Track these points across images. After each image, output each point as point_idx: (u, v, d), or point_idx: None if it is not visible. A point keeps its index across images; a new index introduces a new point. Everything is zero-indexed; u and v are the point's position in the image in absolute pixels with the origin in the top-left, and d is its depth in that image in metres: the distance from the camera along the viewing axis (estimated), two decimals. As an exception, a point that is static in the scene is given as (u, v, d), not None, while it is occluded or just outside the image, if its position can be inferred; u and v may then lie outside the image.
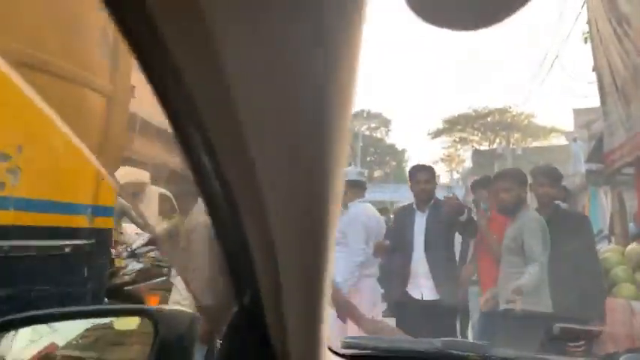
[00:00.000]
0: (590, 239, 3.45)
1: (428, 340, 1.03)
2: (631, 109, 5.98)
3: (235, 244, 0.48)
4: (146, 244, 5.34)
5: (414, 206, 3.74)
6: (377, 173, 35.67)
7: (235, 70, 0.28)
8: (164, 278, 4.85)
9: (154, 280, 4.86)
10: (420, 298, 3.54)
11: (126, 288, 4.58)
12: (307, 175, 0.39)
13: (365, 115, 35.91)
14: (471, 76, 75.45)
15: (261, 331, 0.61)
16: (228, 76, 0.28)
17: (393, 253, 3.74)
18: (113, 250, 5.09)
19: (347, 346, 1.04)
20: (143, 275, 4.88)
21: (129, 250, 5.19)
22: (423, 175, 3.70)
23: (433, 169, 3.96)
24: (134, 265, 4.98)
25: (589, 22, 7.51)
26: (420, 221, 3.62)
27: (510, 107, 31.17)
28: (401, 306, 3.70)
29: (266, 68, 0.29)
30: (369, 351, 1.08)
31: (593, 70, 7.54)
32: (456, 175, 33.44)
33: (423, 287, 3.53)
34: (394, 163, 36.77)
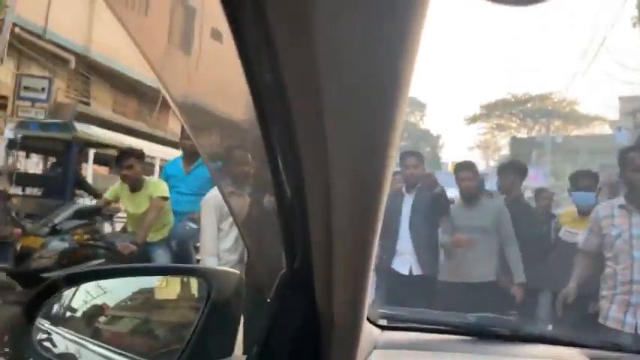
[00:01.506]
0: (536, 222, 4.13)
1: (461, 315, 1.06)
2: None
3: (293, 209, 0.52)
4: (74, 217, 4.29)
5: (403, 189, 3.96)
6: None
7: (327, 59, 0.32)
8: (101, 261, 3.92)
9: (86, 264, 3.81)
10: (407, 274, 3.76)
11: (44, 275, 3.52)
12: (366, 155, 0.42)
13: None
14: (512, 59, 73.29)
15: (308, 295, 0.64)
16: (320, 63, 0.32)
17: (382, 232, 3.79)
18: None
19: (383, 317, 1.08)
20: (69, 258, 3.89)
21: (50, 225, 4.11)
22: (411, 160, 3.95)
23: (421, 155, 4.27)
24: (56, 245, 3.95)
25: (638, 7, 7.19)
26: (408, 203, 3.88)
27: (552, 93, 30.25)
28: (387, 280, 3.90)
29: (351, 62, 0.33)
30: (405, 323, 1.12)
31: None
32: (492, 163, 32.78)
33: (408, 263, 3.78)
34: (428, 149, 36.31)
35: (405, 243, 3.79)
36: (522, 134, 31.96)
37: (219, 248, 2.93)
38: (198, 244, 3.86)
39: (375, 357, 0.90)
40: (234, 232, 2.84)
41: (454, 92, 70.68)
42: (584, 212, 3.53)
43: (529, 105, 31.59)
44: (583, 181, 3.65)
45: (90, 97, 11.00)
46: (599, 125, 28.30)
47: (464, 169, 3.87)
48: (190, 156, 4.18)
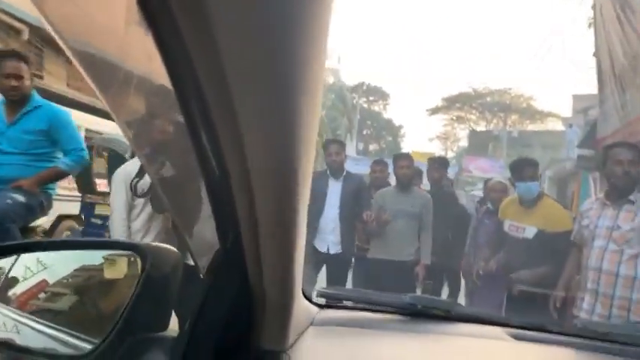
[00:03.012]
0: (462, 211, 4.63)
1: (397, 295, 1.10)
2: (626, 97, 6.02)
3: (221, 189, 0.54)
4: None
5: (328, 173, 4.30)
6: (372, 147, 35.67)
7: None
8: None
9: None
10: (325, 251, 4.11)
11: None
12: (284, 138, 0.44)
13: (364, 87, 35.66)
14: (472, 53, 74.68)
15: (241, 272, 0.66)
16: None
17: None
18: None
19: (321, 295, 1.11)
20: None
21: None
22: (333, 148, 4.33)
23: (343, 143, 4.70)
24: None
25: (594, 7, 7.47)
26: (334, 187, 4.22)
27: (510, 89, 31.13)
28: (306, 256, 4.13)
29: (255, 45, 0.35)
30: (342, 301, 1.15)
31: (594, 55, 7.53)
32: (451, 154, 33.54)
33: (328, 242, 4.14)
34: (390, 138, 36.74)
35: (326, 223, 4.14)
36: (481, 127, 32.81)
37: (131, 229, 2.67)
38: (30, 224, 3.29)
39: (310, 333, 0.93)
40: (147, 210, 2.67)
41: (417, 84, 71.58)
42: (527, 204, 3.55)
43: (488, 99, 32.41)
44: (526, 170, 3.57)
45: (43, 70, 10.56)
46: (552, 121, 29.32)
47: (401, 158, 4.31)
48: (16, 100, 3.09)
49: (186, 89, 0.41)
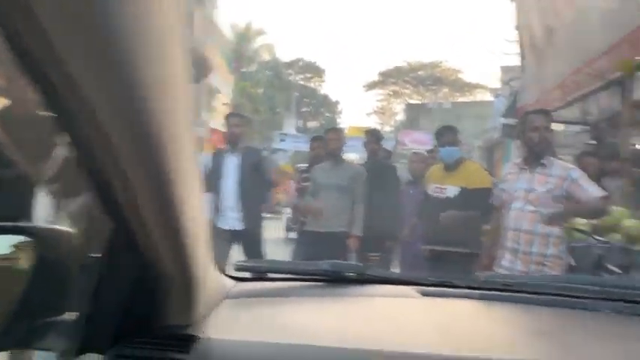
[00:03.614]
0: (396, 182, 4.68)
1: (314, 263, 1.13)
2: (543, 69, 6.36)
3: (108, 171, 0.53)
4: None
5: (227, 148, 4.24)
6: (311, 124, 35.69)
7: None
8: None
9: None
10: (228, 229, 4.08)
11: None
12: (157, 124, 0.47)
13: (300, 64, 35.42)
14: (404, 28, 75.81)
15: (135, 249, 0.65)
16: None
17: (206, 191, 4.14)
18: None
19: (240, 269, 1.12)
20: None
21: None
22: (234, 120, 4.28)
23: (245, 116, 4.65)
24: None
25: (514, -19, 7.76)
26: (232, 162, 4.15)
27: (441, 62, 32.03)
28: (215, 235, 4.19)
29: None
30: (263, 274, 1.17)
31: (515, 28, 7.86)
32: (388, 128, 34.19)
33: (230, 219, 4.11)
34: (328, 115, 36.88)
35: (227, 200, 4.09)
36: (415, 100, 33.59)
37: None
38: None
39: (225, 307, 0.94)
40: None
41: (353, 59, 72.04)
42: (449, 167, 3.82)
43: (421, 72, 33.18)
44: (447, 136, 3.87)
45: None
46: (481, 92, 30.53)
47: (331, 132, 4.39)
48: None
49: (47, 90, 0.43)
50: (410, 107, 33.22)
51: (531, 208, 3.02)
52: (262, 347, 0.79)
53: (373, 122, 34.80)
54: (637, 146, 4.99)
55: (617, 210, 3.60)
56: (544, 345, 0.85)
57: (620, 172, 4.68)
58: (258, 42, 25.56)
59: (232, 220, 4.10)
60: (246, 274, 1.14)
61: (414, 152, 4.70)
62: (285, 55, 42.35)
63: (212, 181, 4.10)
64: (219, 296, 0.95)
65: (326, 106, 36.88)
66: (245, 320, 0.90)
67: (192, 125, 0.54)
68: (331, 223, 4.01)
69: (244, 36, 24.32)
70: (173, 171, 0.53)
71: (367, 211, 4.09)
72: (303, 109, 34.95)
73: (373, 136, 4.87)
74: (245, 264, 1.12)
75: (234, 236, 4.09)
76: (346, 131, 6.55)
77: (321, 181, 4.14)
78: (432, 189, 3.85)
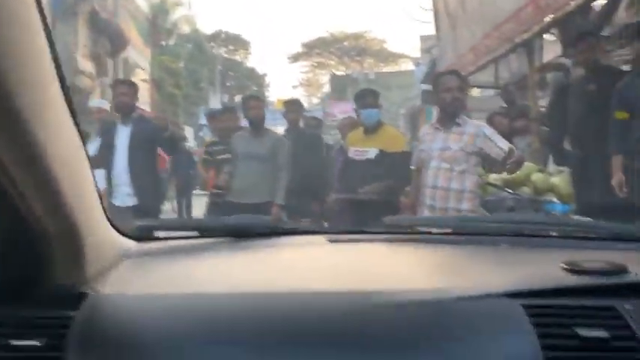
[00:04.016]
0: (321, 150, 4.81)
1: (220, 219, 1.11)
2: (457, 33, 6.58)
3: None
4: None
5: (117, 119, 3.95)
6: (238, 98, 34.90)
7: None
8: None
9: None
10: (122, 205, 3.82)
11: None
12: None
13: (223, 36, 34.37)
14: None
15: (9, 207, 0.60)
16: None
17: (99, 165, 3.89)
18: None
19: (141, 229, 1.07)
20: None
21: None
22: (121, 88, 3.98)
23: (135, 84, 4.26)
24: None
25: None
26: (123, 133, 3.84)
27: (365, 32, 32.30)
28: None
29: None
30: (165, 233, 1.13)
31: (430, -5, 8.04)
32: (315, 100, 34.24)
33: (122, 195, 3.84)
34: (255, 88, 36.21)
35: (119, 176, 3.79)
36: (341, 72, 33.77)
37: None
38: None
39: (122, 266, 0.90)
40: None
41: (277, 31, 70.98)
42: (369, 130, 3.90)
43: (345, 43, 33.30)
44: (367, 98, 3.94)
45: None
46: (404, 62, 31.21)
47: (252, 99, 4.35)
48: None
49: None
50: (335, 78, 33.36)
51: (446, 165, 3.16)
52: (157, 300, 0.76)
53: (300, 94, 34.69)
54: (543, 107, 5.31)
55: (526, 165, 3.85)
56: (443, 275, 0.88)
57: (529, 130, 4.99)
58: (177, 14, 24.46)
59: (124, 196, 3.81)
60: (148, 234, 1.09)
61: (347, 117, 4.79)
62: (206, 28, 40.88)
63: (104, 155, 3.80)
64: (116, 256, 0.91)
65: (252, 79, 36.16)
66: (143, 278, 0.87)
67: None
68: (253, 193, 3.93)
69: (161, 7, 23.17)
70: (48, 131, 0.55)
71: (293, 180, 4.05)
72: (229, 83, 34.12)
73: (293, 106, 4.89)
74: (146, 223, 1.07)
75: (126, 211, 3.77)
76: (275, 104, 6.54)
77: (241, 151, 4.06)
78: (353, 152, 3.93)
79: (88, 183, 0.70)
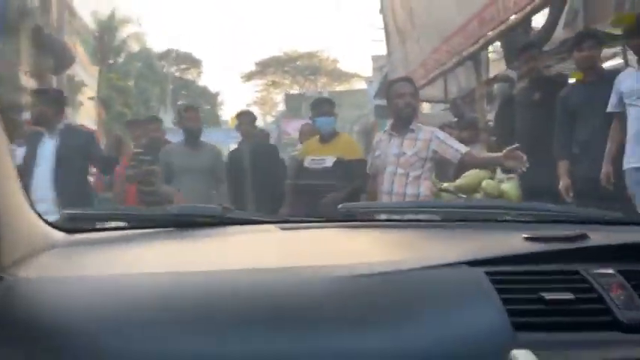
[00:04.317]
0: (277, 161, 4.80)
1: (162, 208, 1.02)
2: (407, 49, 6.72)
3: None
4: None
5: (42, 131, 3.69)
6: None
7: None
8: None
9: None
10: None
11: None
12: None
13: (174, 55, 33.93)
14: (279, 18, 76.30)
15: None
16: None
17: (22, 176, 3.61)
18: None
19: (72, 218, 0.97)
20: None
21: None
22: (40, 98, 3.73)
23: (58, 91, 4.29)
24: None
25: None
26: (49, 145, 3.56)
27: (318, 52, 32.73)
28: None
29: None
30: (100, 223, 1.03)
31: (380, 12, 8.22)
32: (270, 118, 34.17)
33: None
34: (208, 107, 35.78)
35: (40, 190, 3.40)
36: (295, 90, 33.98)
37: None
38: None
39: (49, 255, 0.80)
40: None
41: (229, 50, 70.84)
42: (325, 139, 3.90)
43: (299, 62, 33.60)
44: (322, 106, 3.96)
45: None
46: (357, 81, 31.75)
47: (189, 110, 4.28)
48: None
49: None
50: (290, 97, 33.52)
51: (402, 171, 3.17)
52: (80, 281, 0.67)
53: (255, 113, 34.53)
54: (491, 119, 5.47)
55: (476, 173, 3.93)
56: (402, 252, 0.84)
57: (477, 140, 5.11)
58: (125, 31, 24.01)
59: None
60: (81, 225, 0.99)
61: (306, 123, 4.80)
62: (157, 46, 40.31)
63: (27, 168, 3.42)
64: (41, 245, 0.81)
65: (204, 98, 35.78)
66: (67, 264, 0.78)
67: None
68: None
69: (109, 25, 22.65)
70: None
71: (246, 192, 4.00)
72: (180, 102, 33.60)
73: (245, 118, 4.82)
74: (78, 212, 0.97)
75: None
76: (229, 122, 6.48)
77: (178, 165, 3.91)
78: (309, 161, 3.89)
79: (9, 177, 0.68)
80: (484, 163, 3.48)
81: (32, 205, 0.80)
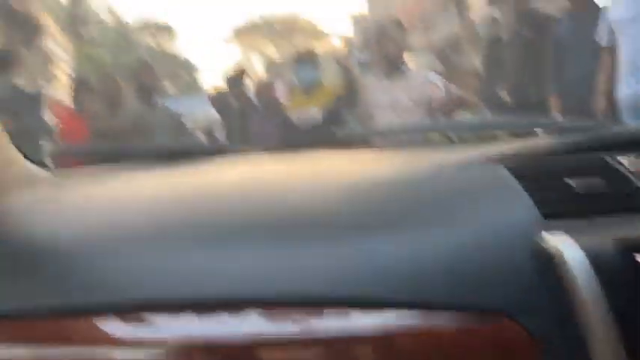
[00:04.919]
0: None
1: (150, 144, 0.96)
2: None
3: None
4: None
5: None
6: (171, 89, 33.71)
7: None
8: None
9: None
10: None
11: None
12: None
13: (150, 24, 32.97)
14: (257, -17, 74.14)
15: None
16: None
17: None
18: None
19: (55, 152, 0.91)
20: None
21: None
22: None
23: None
24: None
25: None
26: None
27: (295, 14, 32.02)
28: None
29: None
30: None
31: None
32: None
33: None
34: (187, 77, 35.08)
35: None
36: (275, 54, 33.39)
37: None
38: None
39: (38, 189, 0.75)
40: None
41: (203, 15, 69.04)
42: (309, 91, 3.78)
43: (277, 26, 32.84)
44: (304, 58, 3.86)
45: None
46: (337, 40, 31.28)
47: None
48: None
49: None
50: (271, 63, 32.99)
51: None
52: (71, 206, 0.63)
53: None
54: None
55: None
56: (414, 159, 0.80)
57: (468, 86, 5.06)
58: (96, 1, 23.21)
59: None
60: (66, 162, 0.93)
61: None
62: (131, 16, 39.16)
63: None
64: (25, 181, 0.76)
65: (182, 67, 35.04)
66: (57, 193, 0.72)
67: None
68: None
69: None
70: None
71: None
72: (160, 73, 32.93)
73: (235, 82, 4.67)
74: (61, 146, 0.90)
75: None
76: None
77: None
78: (296, 118, 3.80)
79: None
80: (475, 106, 3.43)
81: (12, 141, 0.74)
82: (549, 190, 0.59)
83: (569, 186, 0.60)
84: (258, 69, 35.44)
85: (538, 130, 0.99)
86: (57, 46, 18.08)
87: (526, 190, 0.59)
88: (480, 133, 1.11)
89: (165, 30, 34.44)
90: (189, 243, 0.55)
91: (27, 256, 0.55)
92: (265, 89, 4.97)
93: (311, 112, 3.67)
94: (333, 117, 3.62)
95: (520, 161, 0.66)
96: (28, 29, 13.19)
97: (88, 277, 0.52)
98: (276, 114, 4.36)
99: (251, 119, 4.32)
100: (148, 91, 4.01)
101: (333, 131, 3.49)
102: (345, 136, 1.05)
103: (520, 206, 0.58)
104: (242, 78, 4.82)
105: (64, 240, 0.57)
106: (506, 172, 0.63)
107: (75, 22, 20.76)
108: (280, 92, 5.61)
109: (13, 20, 12.49)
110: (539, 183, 0.60)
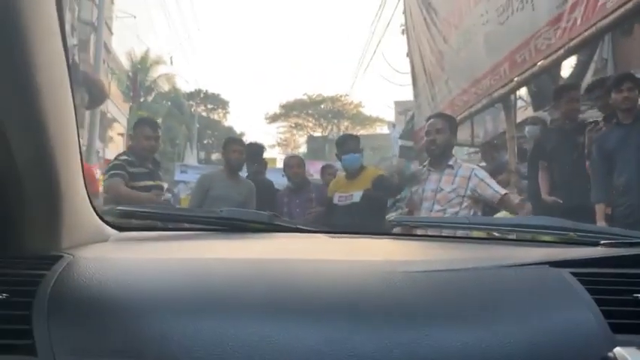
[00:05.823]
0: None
1: (212, 211, 1.00)
2: (435, 90, 6.77)
3: None
4: None
5: None
6: (215, 156, 34.93)
7: None
8: None
9: None
10: None
11: None
12: None
13: (202, 95, 34.91)
14: (303, 63, 78.27)
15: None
16: None
17: None
18: None
19: (123, 215, 0.95)
20: None
21: None
22: None
23: None
24: None
25: (405, 12, 8.29)
26: None
27: (341, 96, 33.31)
28: None
29: None
30: (152, 222, 1.01)
31: (407, 55, 8.34)
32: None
33: None
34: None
35: None
36: (318, 133, 34.45)
37: None
38: None
39: (105, 245, 0.79)
40: None
41: (255, 92, 72.75)
42: (352, 175, 3.87)
43: (322, 106, 34.18)
44: (349, 143, 3.90)
45: None
46: (380, 125, 32.11)
47: (233, 142, 4.25)
48: None
49: None
50: (312, 139, 33.95)
51: (439, 207, 3.11)
52: (139, 262, 0.66)
53: (277, 154, 35.00)
54: (520, 163, 5.39)
55: (505, 215, 3.84)
56: (472, 254, 0.80)
57: (507, 182, 5.03)
58: (157, 71, 24.90)
59: None
60: (134, 224, 0.98)
61: (291, 156, 4.82)
62: (186, 86, 41.60)
63: None
64: (94, 238, 0.80)
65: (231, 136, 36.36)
66: (124, 250, 0.76)
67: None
68: None
69: (141, 65, 23.53)
70: (54, 125, 0.63)
71: None
72: (206, 141, 34.27)
73: (255, 152, 4.69)
74: (130, 209, 0.95)
75: None
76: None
77: (215, 190, 3.93)
78: (337, 198, 3.86)
79: (76, 173, 0.72)
80: (520, 208, 3.38)
81: (91, 201, 0.80)
82: (618, 304, 0.59)
83: (638, 301, 0.59)
84: (301, 145, 36.61)
85: (599, 237, 0.98)
86: (117, 110, 19.31)
87: (594, 301, 0.59)
88: (521, 235, 1.11)
89: (217, 101, 36.34)
90: (262, 314, 0.56)
91: (98, 303, 0.58)
92: (303, 167, 5.07)
93: (352, 194, 3.71)
94: (373, 202, 3.65)
95: (585, 269, 0.65)
96: (94, 93, 14.06)
97: (164, 332, 0.54)
98: (315, 193, 4.43)
99: (287, 196, 4.39)
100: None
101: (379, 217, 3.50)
102: (390, 223, 1.07)
103: (591, 317, 0.57)
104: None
105: (128, 295, 0.59)
106: (572, 279, 0.62)
107: (135, 90, 22.19)
108: (319, 171, 5.72)
109: (80, 83, 13.37)
110: (606, 294, 0.60)
